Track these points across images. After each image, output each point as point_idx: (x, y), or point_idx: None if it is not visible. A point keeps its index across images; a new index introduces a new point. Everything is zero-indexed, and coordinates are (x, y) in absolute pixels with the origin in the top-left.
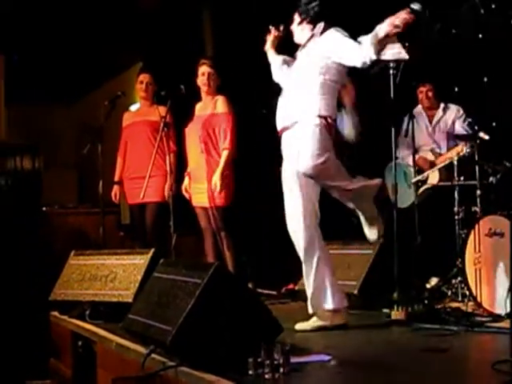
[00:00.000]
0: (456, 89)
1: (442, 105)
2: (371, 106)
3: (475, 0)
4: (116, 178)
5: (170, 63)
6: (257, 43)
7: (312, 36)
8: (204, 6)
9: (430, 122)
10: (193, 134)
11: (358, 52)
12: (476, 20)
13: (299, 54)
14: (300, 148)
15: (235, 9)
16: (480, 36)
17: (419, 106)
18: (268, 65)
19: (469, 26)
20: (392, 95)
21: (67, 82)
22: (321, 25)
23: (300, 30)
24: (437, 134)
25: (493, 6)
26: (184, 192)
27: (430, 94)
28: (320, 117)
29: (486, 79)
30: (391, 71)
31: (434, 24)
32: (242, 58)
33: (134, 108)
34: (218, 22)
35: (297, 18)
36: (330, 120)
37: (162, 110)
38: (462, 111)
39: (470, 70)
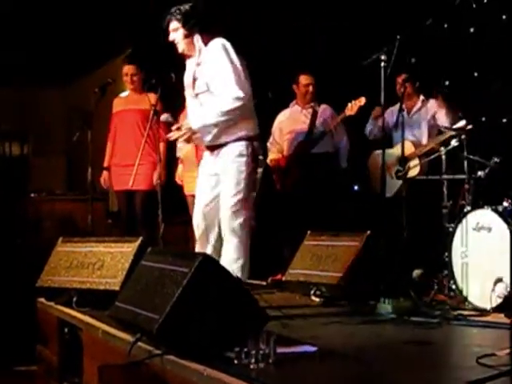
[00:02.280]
0: (446, 83)
1: (421, 97)
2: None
3: None
4: (105, 164)
5: (161, 51)
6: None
7: (200, 48)
8: None
9: (408, 113)
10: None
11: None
12: (468, 14)
13: (190, 65)
14: None
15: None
16: (471, 30)
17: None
18: (259, 55)
19: (460, 21)
20: (382, 87)
21: (57, 67)
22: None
23: (186, 43)
24: (415, 126)
25: (485, 1)
26: (177, 180)
27: (407, 85)
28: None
29: (475, 74)
30: (382, 64)
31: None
32: (235, 42)
33: (124, 94)
34: (209, 9)
35: (179, 29)
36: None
37: (152, 97)
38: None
39: (460, 64)
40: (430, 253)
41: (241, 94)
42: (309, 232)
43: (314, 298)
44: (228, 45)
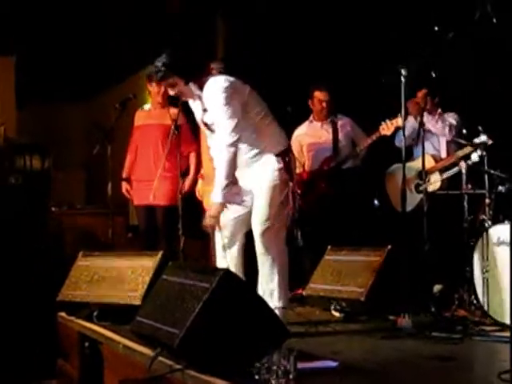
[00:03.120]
0: (464, 97)
1: (439, 110)
2: (382, 111)
3: (487, 9)
4: (124, 175)
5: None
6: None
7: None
8: (217, 11)
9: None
10: (205, 138)
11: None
12: (488, 28)
13: (197, 109)
14: None
15: (248, 14)
16: (491, 44)
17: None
18: (278, 70)
19: (481, 35)
20: (403, 102)
21: (78, 82)
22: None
23: (186, 90)
24: (435, 139)
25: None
26: (198, 195)
27: (427, 98)
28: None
29: (496, 87)
30: (402, 78)
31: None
32: (252, 63)
33: (146, 107)
34: (230, 26)
35: (174, 82)
36: None
37: (173, 112)
38: (458, 118)
39: (481, 78)
40: (451, 268)
41: (233, 138)
42: (329, 247)
43: (334, 312)
44: (218, 86)
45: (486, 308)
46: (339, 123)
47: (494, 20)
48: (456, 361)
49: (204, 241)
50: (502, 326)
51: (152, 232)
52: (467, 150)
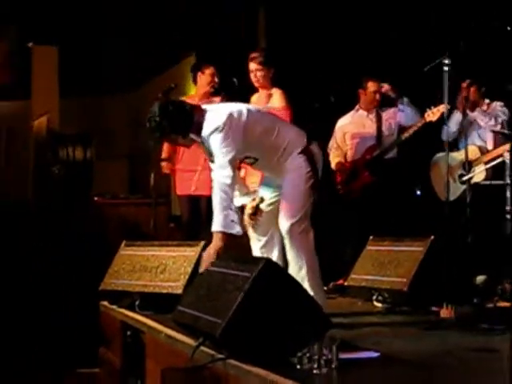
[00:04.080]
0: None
1: (486, 101)
2: (425, 101)
3: None
4: (163, 155)
5: (223, 56)
6: (310, 39)
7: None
8: (259, 2)
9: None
10: None
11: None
12: None
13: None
14: None
15: (289, 5)
16: None
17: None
18: (320, 60)
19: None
20: (446, 91)
21: (121, 73)
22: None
23: (190, 139)
24: (481, 130)
25: None
26: None
27: (472, 90)
28: None
29: None
30: (446, 68)
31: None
32: (294, 52)
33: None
34: (271, 16)
35: (176, 137)
36: None
37: (217, 102)
38: (503, 107)
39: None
40: (494, 259)
41: (229, 172)
42: (371, 237)
43: (376, 303)
44: (213, 126)
45: None
46: (384, 114)
47: None
48: (499, 352)
49: (244, 231)
50: None
51: (195, 222)
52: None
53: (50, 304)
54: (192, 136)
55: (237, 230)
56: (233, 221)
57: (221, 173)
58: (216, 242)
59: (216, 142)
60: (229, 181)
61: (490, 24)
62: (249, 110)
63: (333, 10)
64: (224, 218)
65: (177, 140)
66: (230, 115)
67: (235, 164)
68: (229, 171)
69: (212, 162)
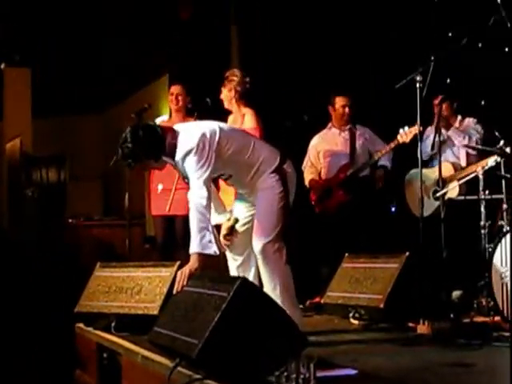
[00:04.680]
0: (482, 102)
1: (459, 117)
2: (397, 118)
3: (502, 14)
4: None
5: (197, 76)
6: (283, 58)
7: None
8: (231, 20)
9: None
10: None
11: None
12: (502, 34)
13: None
14: None
15: (262, 23)
16: (506, 50)
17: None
18: (294, 78)
19: (495, 41)
20: (418, 108)
21: (94, 94)
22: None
23: (160, 162)
24: (455, 147)
25: None
26: None
27: (444, 106)
28: None
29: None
30: (418, 85)
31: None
32: (267, 71)
33: (159, 120)
34: (244, 36)
35: (147, 162)
36: None
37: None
38: (477, 123)
39: (496, 83)
40: (470, 274)
41: (203, 192)
42: (346, 254)
43: (353, 320)
44: (187, 147)
45: (505, 314)
46: (357, 132)
47: (509, 25)
48: (476, 367)
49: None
50: None
51: (170, 242)
52: (489, 159)
53: (23, 327)
54: (165, 159)
55: (213, 249)
56: (210, 241)
57: (196, 194)
58: (192, 263)
59: (190, 165)
60: (204, 202)
61: (458, 39)
62: (221, 129)
63: (305, 28)
64: (201, 239)
65: (149, 164)
66: (203, 135)
67: (210, 183)
68: (204, 192)
69: (187, 183)
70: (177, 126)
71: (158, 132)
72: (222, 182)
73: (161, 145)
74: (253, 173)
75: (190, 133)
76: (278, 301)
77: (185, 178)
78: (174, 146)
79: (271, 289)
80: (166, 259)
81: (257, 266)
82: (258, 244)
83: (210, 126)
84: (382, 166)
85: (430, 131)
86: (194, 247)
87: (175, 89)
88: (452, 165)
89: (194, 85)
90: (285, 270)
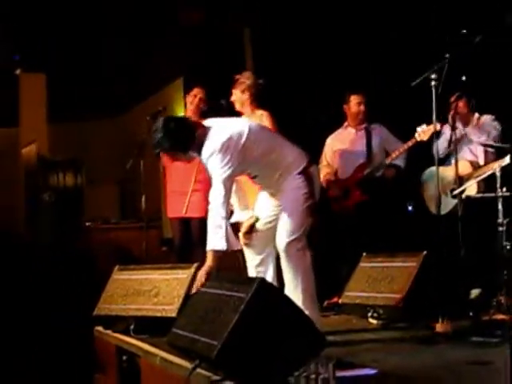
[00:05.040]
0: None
1: (476, 115)
2: (412, 117)
3: None
4: None
5: (211, 78)
6: (296, 59)
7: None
8: (245, 23)
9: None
10: None
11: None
12: None
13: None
14: None
15: (276, 26)
16: None
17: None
18: (308, 79)
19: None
20: (434, 106)
21: (109, 98)
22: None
23: (188, 157)
24: (473, 145)
25: None
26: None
27: (460, 104)
28: None
29: None
30: (433, 83)
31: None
32: (281, 73)
33: None
34: (258, 38)
35: (176, 153)
36: None
37: None
38: (494, 120)
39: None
40: (488, 271)
41: (222, 191)
42: (364, 254)
43: (371, 320)
44: (212, 148)
45: None
46: (373, 131)
47: None
48: (494, 365)
49: (236, 252)
50: None
51: (187, 245)
52: (506, 158)
53: (43, 331)
54: (192, 154)
55: (223, 245)
56: (221, 238)
57: (214, 191)
58: (208, 262)
59: (213, 164)
60: (221, 199)
61: (473, 38)
62: (250, 129)
63: (317, 29)
64: (214, 237)
65: (177, 156)
66: (229, 138)
67: (231, 182)
68: (222, 190)
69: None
70: (208, 122)
71: (190, 126)
72: (245, 182)
73: (190, 139)
74: (279, 174)
75: (218, 133)
76: (299, 300)
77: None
78: (202, 143)
79: (293, 287)
80: (184, 261)
81: (275, 267)
82: (282, 242)
83: (238, 128)
84: (393, 166)
85: (447, 129)
86: (209, 245)
87: (198, 91)
88: (470, 163)
89: (209, 87)
90: (307, 269)
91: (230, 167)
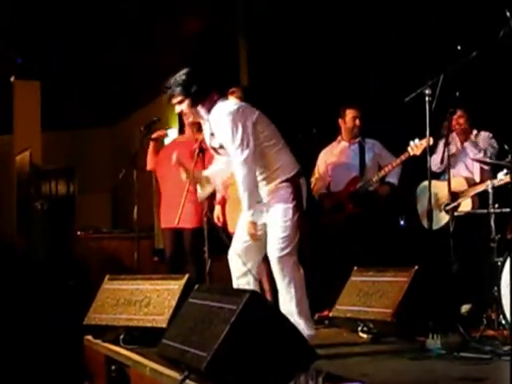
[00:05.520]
0: (490, 115)
1: (474, 131)
2: (407, 131)
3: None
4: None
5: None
6: (291, 72)
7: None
8: (240, 34)
9: (463, 148)
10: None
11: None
12: None
13: (206, 132)
14: None
15: (271, 37)
16: None
17: (454, 133)
18: (302, 91)
19: (505, 53)
20: (427, 121)
21: (103, 107)
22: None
23: (193, 113)
24: (469, 161)
25: None
26: (217, 221)
27: (461, 120)
28: None
29: None
30: (427, 98)
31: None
32: (277, 85)
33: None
34: (253, 50)
35: (183, 100)
36: None
37: (198, 135)
38: (492, 138)
39: (507, 96)
40: (479, 287)
41: (246, 154)
42: (355, 268)
43: (361, 334)
44: (226, 110)
45: None
46: (367, 146)
47: None
48: (485, 381)
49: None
50: None
51: (178, 255)
52: (499, 175)
53: (32, 339)
54: (201, 110)
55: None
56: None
57: (239, 157)
58: (251, 231)
59: (227, 126)
60: (248, 164)
61: (468, 52)
62: (260, 113)
63: (314, 41)
64: (253, 206)
65: (184, 106)
66: (243, 106)
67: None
68: (246, 153)
69: (218, 154)
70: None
71: (211, 85)
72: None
73: (205, 92)
74: (269, 173)
75: (230, 103)
76: (294, 313)
77: (219, 149)
78: (212, 106)
79: (288, 300)
80: (174, 272)
81: (258, 279)
82: (274, 256)
83: (250, 107)
84: (387, 183)
85: (441, 143)
86: (249, 215)
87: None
88: (465, 179)
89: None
90: (301, 282)
91: (245, 132)
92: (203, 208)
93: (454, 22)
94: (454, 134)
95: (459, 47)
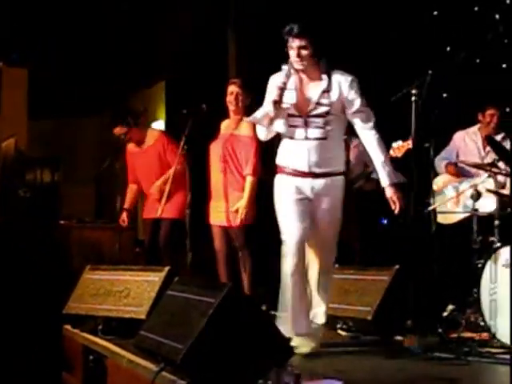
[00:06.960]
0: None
1: (502, 134)
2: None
3: (499, 29)
4: (126, 205)
5: (194, 82)
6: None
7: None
8: (228, 25)
9: (484, 148)
10: (215, 152)
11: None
12: (500, 49)
13: (311, 90)
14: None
15: (260, 28)
16: (504, 66)
17: (475, 127)
18: None
19: (493, 55)
20: (413, 122)
21: (89, 97)
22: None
23: (311, 64)
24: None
25: None
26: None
27: (495, 119)
28: None
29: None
30: (413, 98)
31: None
32: (264, 77)
33: (155, 125)
34: (242, 41)
35: (308, 47)
36: None
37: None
38: (506, 140)
39: (492, 98)
40: (459, 289)
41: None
42: (336, 265)
43: (340, 332)
44: (353, 77)
45: (493, 330)
46: (352, 144)
47: (506, 41)
48: (462, 382)
49: (211, 256)
50: (509, 349)
51: (155, 246)
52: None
53: (11, 327)
54: (321, 67)
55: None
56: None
57: (372, 122)
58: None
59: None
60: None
61: (456, 54)
62: None
63: None
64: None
65: (307, 50)
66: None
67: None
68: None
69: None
70: None
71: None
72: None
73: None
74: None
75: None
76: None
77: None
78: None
79: (325, 299)
80: (152, 263)
81: None
82: (330, 260)
83: None
84: (374, 180)
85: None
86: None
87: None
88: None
89: (191, 89)
90: None
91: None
92: (186, 199)
93: (444, 23)
94: (474, 128)
95: (448, 49)
